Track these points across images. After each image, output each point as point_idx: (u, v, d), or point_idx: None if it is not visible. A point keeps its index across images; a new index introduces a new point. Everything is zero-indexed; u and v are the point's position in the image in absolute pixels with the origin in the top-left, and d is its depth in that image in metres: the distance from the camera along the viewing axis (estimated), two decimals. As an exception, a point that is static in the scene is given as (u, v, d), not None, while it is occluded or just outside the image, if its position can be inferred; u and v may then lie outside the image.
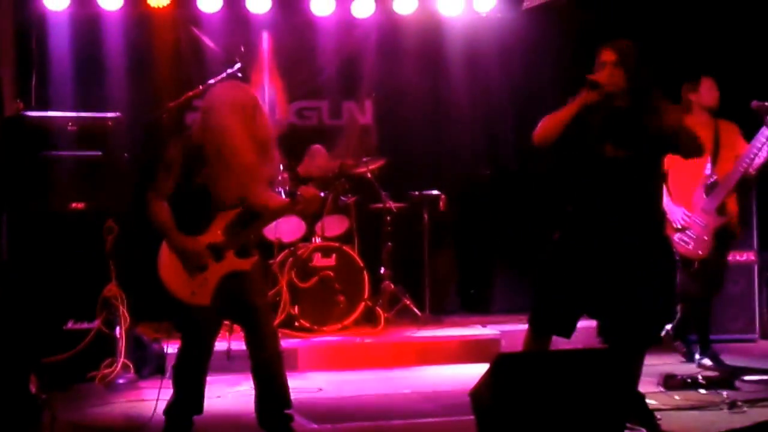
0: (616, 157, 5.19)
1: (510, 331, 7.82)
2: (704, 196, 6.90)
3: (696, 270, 6.93)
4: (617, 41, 5.38)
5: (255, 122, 5.06)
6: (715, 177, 6.91)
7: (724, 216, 6.90)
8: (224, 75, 7.09)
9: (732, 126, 7.09)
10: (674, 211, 6.89)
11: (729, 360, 7.12)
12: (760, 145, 6.76)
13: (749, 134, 6.96)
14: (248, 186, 5.09)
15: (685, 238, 6.90)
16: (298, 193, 5.26)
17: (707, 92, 7.04)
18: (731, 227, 7.01)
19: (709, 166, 6.90)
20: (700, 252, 6.88)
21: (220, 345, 6.81)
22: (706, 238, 6.87)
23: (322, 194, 7.70)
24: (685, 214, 6.89)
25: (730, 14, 8.43)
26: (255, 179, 5.11)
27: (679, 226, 6.88)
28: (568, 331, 5.40)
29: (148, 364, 6.98)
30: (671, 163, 6.67)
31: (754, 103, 6.74)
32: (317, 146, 8.53)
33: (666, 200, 6.79)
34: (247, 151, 5.00)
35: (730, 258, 7.47)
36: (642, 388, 5.51)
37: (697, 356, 7.11)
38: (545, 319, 5.41)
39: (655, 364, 6.86)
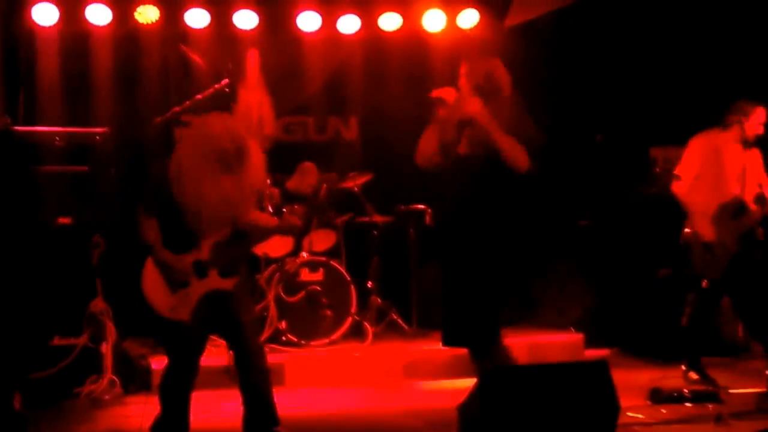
0: (467, 162, 5.52)
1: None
2: (730, 217, 6.82)
3: (706, 290, 6.97)
4: (480, 56, 5.72)
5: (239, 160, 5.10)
6: (742, 200, 6.84)
7: (749, 242, 6.82)
8: (212, 90, 7.12)
9: (756, 151, 6.97)
10: (706, 227, 6.83)
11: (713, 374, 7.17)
12: None
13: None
14: (234, 205, 5.10)
15: (707, 257, 6.84)
16: (282, 220, 5.28)
17: (755, 123, 6.86)
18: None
19: (738, 188, 6.85)
20: (713, 274, 6.86)
21: (214, 361, 6.88)
22: (724, 262, 6.80)
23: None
24: (714, 234, 6.82)
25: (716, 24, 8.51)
26: (241, 199, 5.12)
27: (707, 242, 6.81)
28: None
29: (134, 380, 6.95)
30: (697, 182, 6.87)
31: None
32: (308, 163, 8.54)
33: (698, 216, 6.84)
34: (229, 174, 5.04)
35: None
36: (629, 401, 5.54)
37: (683, 368, 7.13)
38: (450, 331, 5.52)
39: (642, 378, 6.92)
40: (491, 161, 5.43)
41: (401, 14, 9.14)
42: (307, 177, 8.48)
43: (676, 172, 7.09)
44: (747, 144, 6.88)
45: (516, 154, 5.44)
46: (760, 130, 6.88)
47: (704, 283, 6.96)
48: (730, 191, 6.87)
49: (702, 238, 6.83)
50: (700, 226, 6.84)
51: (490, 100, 5.55)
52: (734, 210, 6.83)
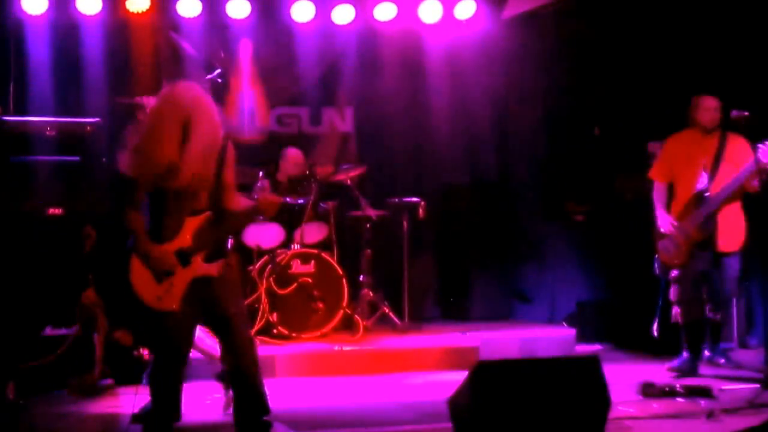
0: None
1: (489, 338, 7.83)
2: (694, 208, 6.99)
3: (677, 277, 7.05)
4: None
5: (199, 126, 5.07)
6: (708, 190, 6.95)
7: (708, 230, 6.93)
8: (205, 80, 7.06)
9: (740, 139, 7.02)
10: (663, 218, 7.10)
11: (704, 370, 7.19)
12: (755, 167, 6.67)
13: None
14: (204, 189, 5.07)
15: (668, 245, 7.06)
16: (257, 199, 5.26)
17: (704, 112, 7.04)
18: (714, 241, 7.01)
19: (704, 179, 6.98)
20: (676, 261, 7.04)
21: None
22: (684, 248, 6.99)
23: (287, 199, 7.74)
24: (672, 222, 7.05)
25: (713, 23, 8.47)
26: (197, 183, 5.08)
27: (662, 231, 7.05)
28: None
29: (125, 371, 6.93)
30: (673, 175, 7.14)
31: (734, 114, 6.77)
32: (290, 149, 8.52)
33: (659, 209, 7.13)
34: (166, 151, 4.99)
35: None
36: (620, 396, 5.52)
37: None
38: None
39: (634, 373, 6.91)
40: None
41: (396, 5, 9.10)
42: (290, 161, 8.44)
43: (650, 175, 7.33)
44: (707, 131, 7.07)
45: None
46: (712, 115, 7.03)
47: (672, 273, 7.09)
48: (695, 185, 7.00)
49: (659, 229, 7.10)
50: (663, 219, 7.10)
51: None
52: (696, 200, 6.99)
